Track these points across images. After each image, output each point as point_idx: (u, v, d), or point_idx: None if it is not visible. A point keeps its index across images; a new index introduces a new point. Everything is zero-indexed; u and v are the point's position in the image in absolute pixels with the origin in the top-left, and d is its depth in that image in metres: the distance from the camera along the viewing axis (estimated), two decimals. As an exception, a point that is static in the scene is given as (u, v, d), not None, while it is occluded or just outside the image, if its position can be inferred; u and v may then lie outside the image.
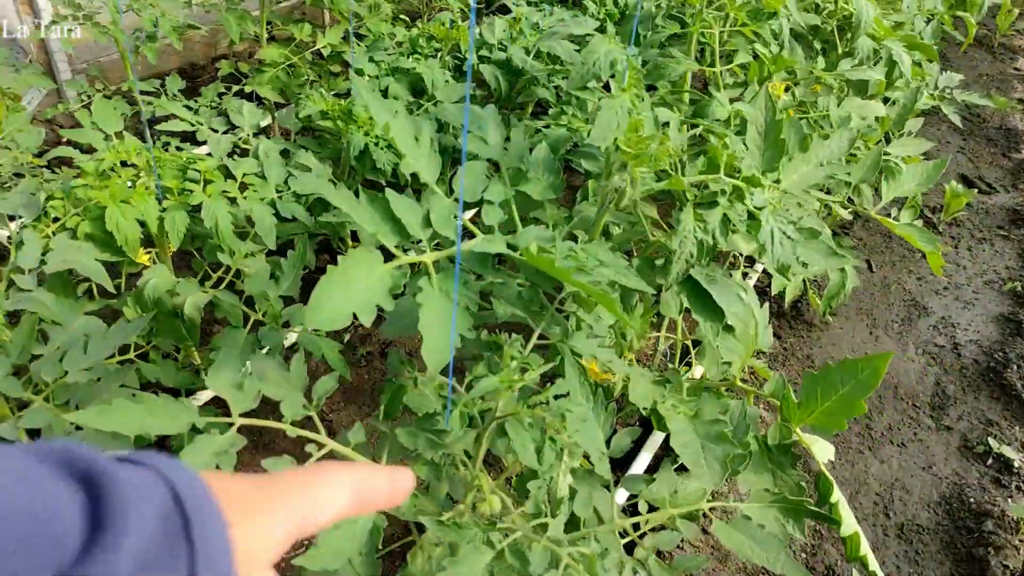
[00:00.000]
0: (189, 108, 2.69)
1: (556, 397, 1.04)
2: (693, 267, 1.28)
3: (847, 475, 2.22)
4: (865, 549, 1.21)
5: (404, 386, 1.04)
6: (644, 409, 1.28)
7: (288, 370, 1.00)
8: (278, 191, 2.13)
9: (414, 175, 1.12)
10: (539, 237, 1.12)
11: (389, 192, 1.07)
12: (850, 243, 3.20)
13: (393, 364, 1.12)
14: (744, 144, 1.44)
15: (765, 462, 1.34)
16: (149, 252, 2.01)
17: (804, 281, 2.72)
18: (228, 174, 2.09)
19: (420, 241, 1.07)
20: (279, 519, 0.41)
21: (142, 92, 3.03)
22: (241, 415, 0.91)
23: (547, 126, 1.69)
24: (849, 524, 1.22)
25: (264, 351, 1.23)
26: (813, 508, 1.24)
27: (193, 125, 2.46)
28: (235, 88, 3.27)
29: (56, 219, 1.88)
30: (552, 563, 0.89)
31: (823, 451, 1.34)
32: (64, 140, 2.32)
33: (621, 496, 1.43)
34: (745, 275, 2.69)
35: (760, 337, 1.32)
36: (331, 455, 0.93)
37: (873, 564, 1.21)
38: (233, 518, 0.38)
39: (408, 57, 3.01)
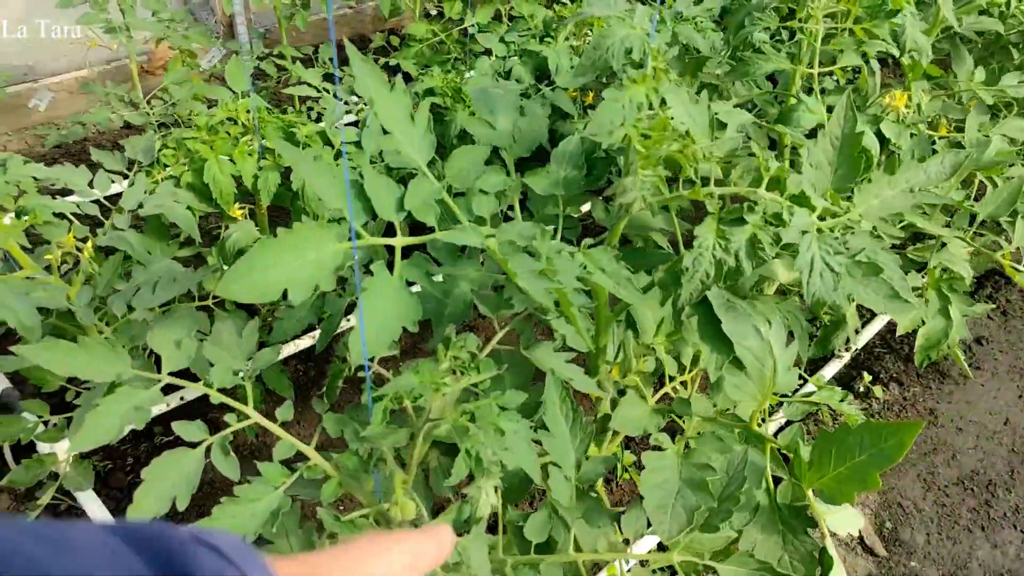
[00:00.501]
0: (328, 77, 2.83)
1: (503, 408, 0.97)
2: (709, 289, 1.14)
3: (943, 553, 1.92)
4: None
5: (343, 371, 1.01)
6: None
7: (241, 336, 1.00)
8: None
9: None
10: (523, 234, 1.04)
11: (366, 168, 1.03)
12: (983, 299, 2.75)
13: (342, 347, 1.09)
14: (810, 159, 1.26)
15: (775, 522, 1.18)
16: (243, 208, 2.13)
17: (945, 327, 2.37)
18: (327, 141, 2.16)
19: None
20: None
21: (294, 58, 3.22)
22: (171, 374, 0.93)
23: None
24: (846, 613, 1.03)
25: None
26: (798, 583, 1.07)
27: (318, 91, 2.56)
28: (382, 61, 3.39)
29: (166, 167, 2.04)
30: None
31: (845, 522, 1.15)
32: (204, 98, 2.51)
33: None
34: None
35: (779, 378, 1.14)
36: (264, 430, 0.92)
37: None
38: None
39: (539, 40, 2.95)
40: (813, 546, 1.15)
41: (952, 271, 1.61)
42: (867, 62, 1.63)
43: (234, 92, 2.34)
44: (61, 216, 1.88)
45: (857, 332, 2.13)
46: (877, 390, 2.33)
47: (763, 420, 1.23)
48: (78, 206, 1.93)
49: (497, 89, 1.20)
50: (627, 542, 1.20)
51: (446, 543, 0.52)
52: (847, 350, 2.45)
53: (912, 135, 1.66)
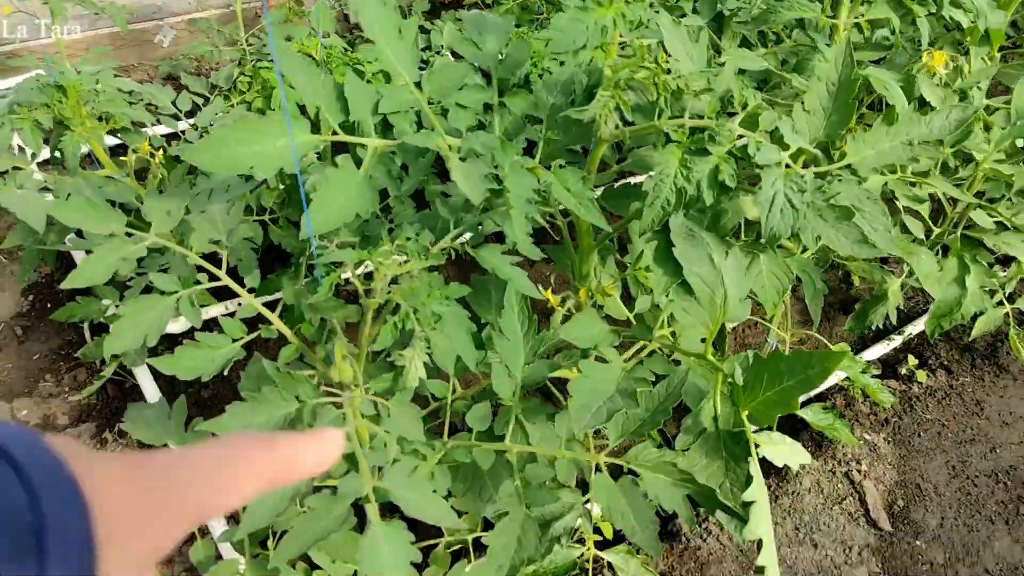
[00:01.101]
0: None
1: (453, 298, 1.06)
2: (669, 216, 1.17)
3: (954, 538, 1.85)
4: (768, 561, 1.05)
5: (304, 248, 1.12)
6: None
7: (228, 214, 1.13)
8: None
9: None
10: (485, 144, 1.11)
11: (348, 72, 1.13)
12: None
13: (303, 227, 1.20)
14: (804, 103, 1.25)
15: (719, 448, 1.20)
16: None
17: (1008, 316, 2.25)
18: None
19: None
20: (170, 522, 0.34)
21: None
22: (158, 235, 1.07)
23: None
24: (757, 529, 1.06)
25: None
26: (720, 500, 1.10)
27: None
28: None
29: (243, 93, 2.23)
30: (339, 421, 0.93)
31: (784, 454, 1.16)
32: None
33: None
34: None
35: (731, 309, 1.16)
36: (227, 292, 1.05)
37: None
38: (108, 532, 0.31)
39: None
40: (751, 476, 1.17)
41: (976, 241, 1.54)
42: (913, 20, 1.58)
43: (314, 31, 2.51)
44: (141, 125, 2.10)
45: (901, 310, 2.05)
46: (921, 375, 2.24)
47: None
48: (159, 120, 2.15)
49: (496, 17, 1.27)
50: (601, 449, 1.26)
51: (329, 452, 0.44)
52: (899, 334, 2.37)
53: (960, 96, 1.60)
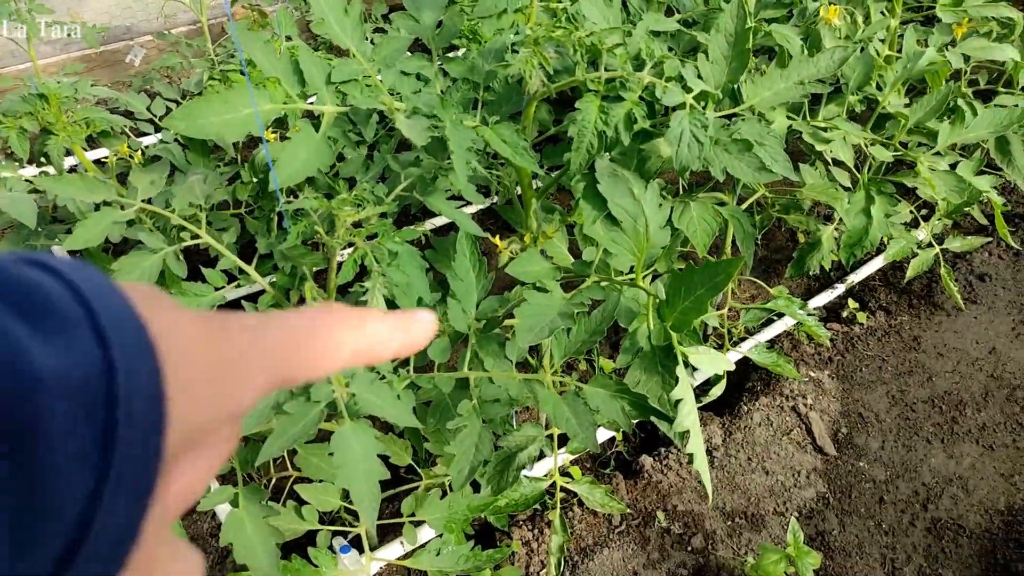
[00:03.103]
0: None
1: (411, 241, 1.21)
2: (596, 158, 1.33)
3: (894, 458, 2.01)
4: (696, 448, 1.20)
5: (274, 205, 1.27)
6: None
7: (205, 183, 1.28)
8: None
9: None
10: (426, 103, 1.27)
11: (300, 45, 1.28)
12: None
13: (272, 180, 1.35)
14: (707, 54, 1.42)
15: (655, 364, 1.36)
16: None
17: (937, 257, 2.43)
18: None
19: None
20: (252, 378, 0.32)
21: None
22: (143, 201, 1.22)
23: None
24: (684, 422, 1.21)
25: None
26: (652, 406, 1.25)
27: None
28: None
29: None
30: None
31: (709, 361, 1.32)
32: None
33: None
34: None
35: (652, 235, 1.32)
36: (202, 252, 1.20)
37: (701, 463, 1.20)
38: (185, 380, 0.28)
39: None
40: (678, 378, 1.33)
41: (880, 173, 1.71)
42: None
43: (277, 35, 2.66)
44: (120, 131, 2.24)
45: (838, 258, 2.22)
46: (862, 316, 2.42)
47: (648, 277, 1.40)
48: (135, 124, 2.29)
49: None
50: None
51: (419, 334, 0.40)
52: (842, 282, 2.54)
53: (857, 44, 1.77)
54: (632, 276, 1.35)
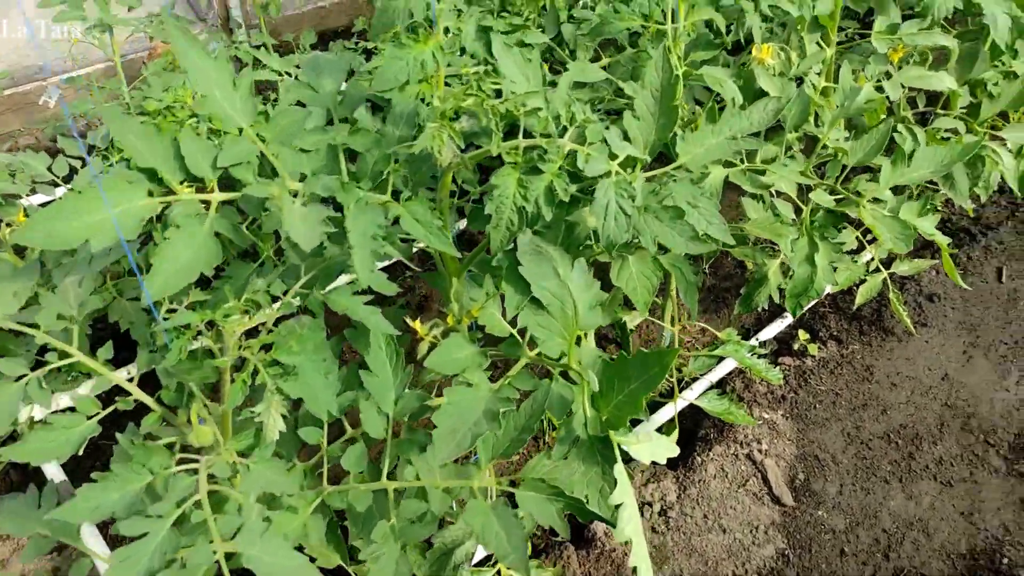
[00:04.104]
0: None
1: (301, 343, 1.08)
2: (518, 235, 1.22)
3: (852, 503, 1.94)
4: (640, 560, 1.10)
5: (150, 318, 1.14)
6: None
7: (80, 286, 1.14)
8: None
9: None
10: (325, 186, 1.14)
11: (184, 131, 1.15)
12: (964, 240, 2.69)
13: (144, 293, 1.22)
14: (634, 110, 1.32)
15: (595, 453, 1.25)
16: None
17: (885, 281, 2.37)
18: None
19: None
20: None
21: (273, 46, 3.37)
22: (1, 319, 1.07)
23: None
24: (626, 530, 1.11)
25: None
26: (590, 509, 1.15)
27: (280, 76, 2.70)
28: (362, 44, 3.51)
29: (120, 151, 2.21)
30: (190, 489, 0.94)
31: (651, 451, 1.22)
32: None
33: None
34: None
35: (581, 318, 1.21)
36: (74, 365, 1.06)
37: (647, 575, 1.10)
38: None
39: (495, 16, 3.02)
40: (615, 480, 1.22)
41: (823, 219, 1.63)
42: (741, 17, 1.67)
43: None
44: (16, 196, 2.07)
45: (781, 291, 2.15)
46: (813, 348, 2.35)
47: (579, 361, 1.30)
48: (34, 189, 2.12)
49: (331, 56, 1.30)
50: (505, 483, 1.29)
51: None
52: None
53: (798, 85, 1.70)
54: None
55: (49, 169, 2.16)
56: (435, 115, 1.13)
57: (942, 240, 1.71)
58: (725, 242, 1.29)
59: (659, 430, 2.02)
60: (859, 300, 2.41)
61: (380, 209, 1.16)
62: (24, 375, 1.03)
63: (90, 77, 2.97)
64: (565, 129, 1.24)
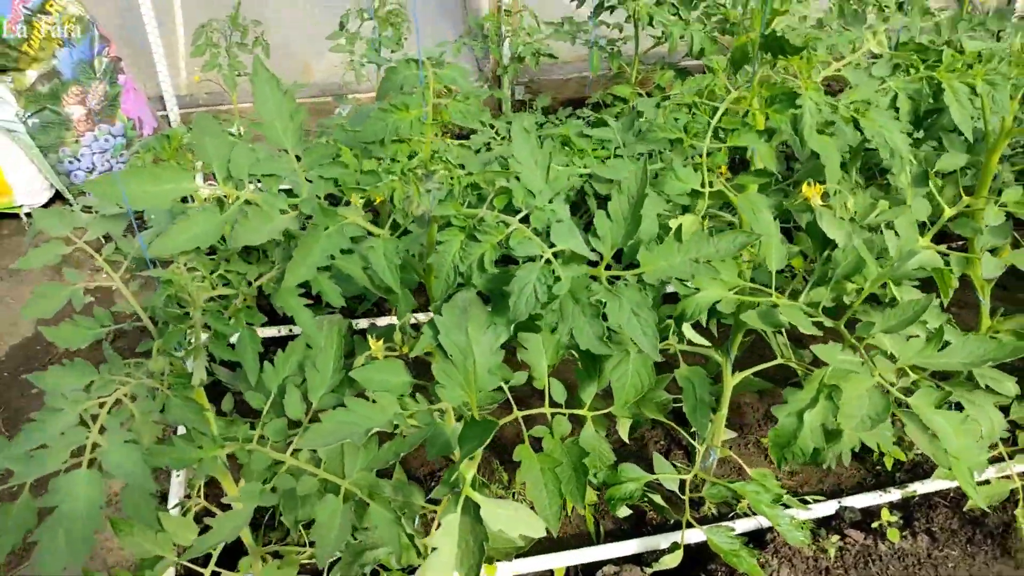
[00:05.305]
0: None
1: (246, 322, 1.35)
2: (466, 288, 1.36)
3: None
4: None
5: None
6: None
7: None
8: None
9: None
10: (310, 206, 1.40)
11: (239, 143, 1.48)
12: None
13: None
14: (608, 211, 1.39)
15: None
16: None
17: (1018, 491, 2.01)
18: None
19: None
20: None
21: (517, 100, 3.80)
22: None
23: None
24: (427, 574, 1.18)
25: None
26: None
27: (483, 125, 3.07)
28: (587, 114, 3.79)
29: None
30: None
31: (504, 519, 1.26)
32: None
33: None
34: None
35: (480, 376, 1.29)
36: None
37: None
38: None
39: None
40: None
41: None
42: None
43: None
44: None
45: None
46: (894, 534, 2.06)
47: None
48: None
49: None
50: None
51: None
52: (900, 487, 2.19)
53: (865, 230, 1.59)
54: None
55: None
56: (398, 171, 1.33)
57: None
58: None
59: (667, 551, 1.94)
60: (971, 503, 2.06)
61: (346, 236, 1.38)
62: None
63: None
64: (528, 215, 1.36)
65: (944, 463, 1.44)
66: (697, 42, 3.25)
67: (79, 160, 3.60)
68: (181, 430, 2.01)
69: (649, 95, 3.46)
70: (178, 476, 2.14)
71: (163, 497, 2.11)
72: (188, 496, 2.00)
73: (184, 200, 1.48)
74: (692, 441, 1.99)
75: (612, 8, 3.55)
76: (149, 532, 1.50)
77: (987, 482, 2.06)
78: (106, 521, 1.35)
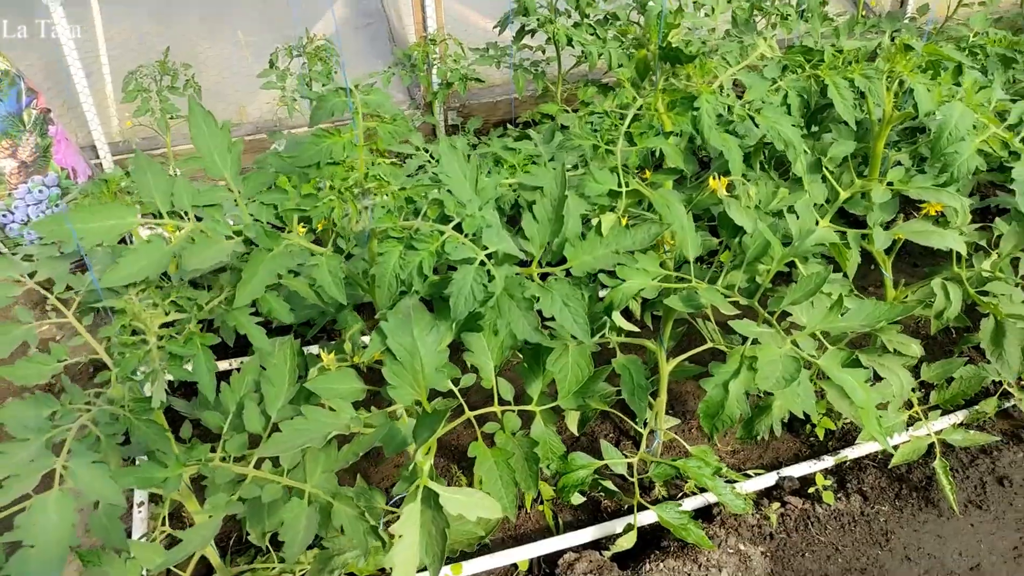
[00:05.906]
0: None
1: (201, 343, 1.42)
2: (409, 296, 1.45)
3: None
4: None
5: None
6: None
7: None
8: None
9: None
10: (258, 232, 1.48)
11: (181, 178, 1.56)
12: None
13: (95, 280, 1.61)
14: (534, 213, 1.51)
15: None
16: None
17: (935, 446, 2.19)
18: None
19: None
20: None
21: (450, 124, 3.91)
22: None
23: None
24: (396, 559, 1.26)
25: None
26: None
27: (416, 149, 3.18)
28: (515, 132, 3.94)
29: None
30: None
31: (462, 504, 1.35)
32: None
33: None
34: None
35: (428, 375, 1.39)
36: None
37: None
38: None
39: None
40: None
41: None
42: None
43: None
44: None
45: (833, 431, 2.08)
46: (829, 497, 2.21)
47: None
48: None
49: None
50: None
51: None
52: (833, 454, 2.35)
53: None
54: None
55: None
56: (334, 190, 1.43)
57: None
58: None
59: (622, 533, 2.05)
60: (896, 460, 2.23)
61: (292, 257, 1.47)
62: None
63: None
64: (460, 223, 1.47)
65: (857, 418, 1.59)
66: (615, 59, 3.43)
67: (12, 213, 3.58)
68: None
69: (576, 111, 3.64)
70: (140, 511, 2.16)
71: (128, 533, 2.13)
72: (154, 530, 2.03)
73: (122, 242, 1.57)
74: (640, 430, 2.11)
75: (533, 32, 3.71)
76: (117, 561, 1.55)
77: (908, 440, 2.23)
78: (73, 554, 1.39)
